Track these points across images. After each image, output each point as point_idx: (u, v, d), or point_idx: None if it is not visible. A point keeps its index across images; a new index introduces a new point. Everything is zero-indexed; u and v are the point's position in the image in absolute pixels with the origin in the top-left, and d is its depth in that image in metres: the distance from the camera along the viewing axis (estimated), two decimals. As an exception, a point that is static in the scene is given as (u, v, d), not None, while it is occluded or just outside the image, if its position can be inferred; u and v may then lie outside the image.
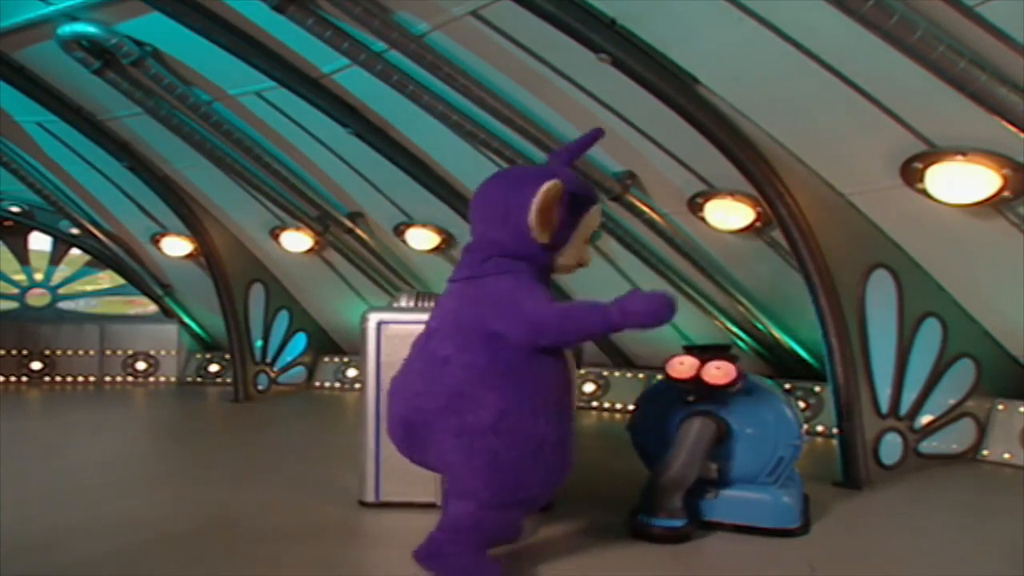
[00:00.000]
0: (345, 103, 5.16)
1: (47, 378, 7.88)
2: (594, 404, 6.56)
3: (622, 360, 6.65)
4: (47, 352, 7.93)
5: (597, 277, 5.96)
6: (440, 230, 6.25)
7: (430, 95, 4.68)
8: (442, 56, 4.36)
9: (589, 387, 6.62)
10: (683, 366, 3.47)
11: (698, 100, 3.92)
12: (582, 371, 6.55)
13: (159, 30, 4.86)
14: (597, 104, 4.39)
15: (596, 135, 3.24)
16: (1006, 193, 3.66)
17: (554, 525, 3.63)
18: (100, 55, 5.15)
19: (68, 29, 4.97)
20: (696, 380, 3.45)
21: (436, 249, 6.40)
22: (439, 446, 2.85)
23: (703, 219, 4.85)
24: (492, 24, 4.08)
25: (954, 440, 4.70)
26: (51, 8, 4.90)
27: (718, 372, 3.40)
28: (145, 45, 5.10)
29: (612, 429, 5.84)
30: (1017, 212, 3.83)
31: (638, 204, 5.02)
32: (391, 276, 6.87)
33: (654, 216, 5.07)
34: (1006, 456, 4.68)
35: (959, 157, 3.64)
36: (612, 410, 6.44)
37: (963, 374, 4.62)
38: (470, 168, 5.41)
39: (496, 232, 2.92)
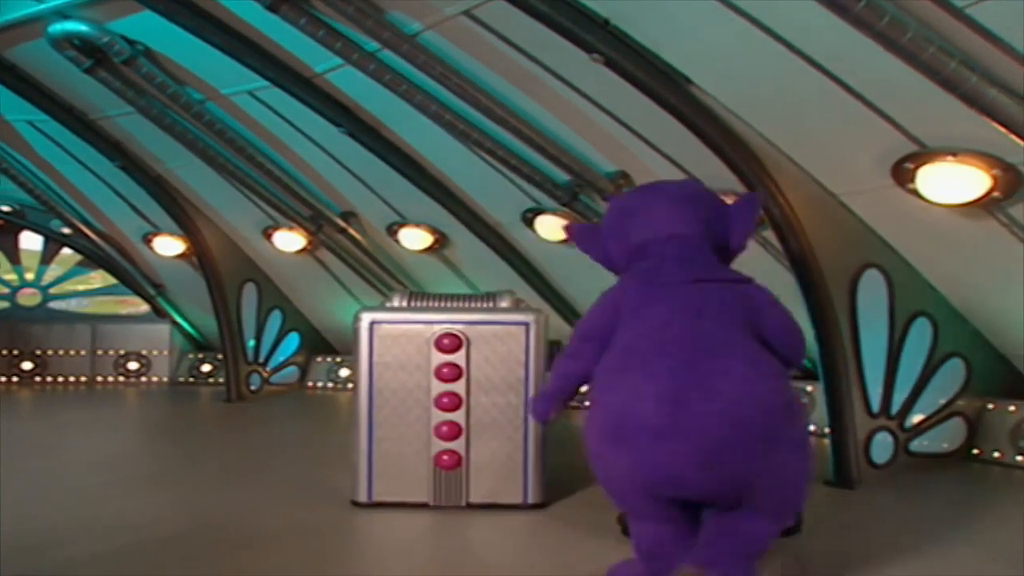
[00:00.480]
0: (338, 103, 5.15)
1: (38, 378, 7.85)
2: (587, 403, 6.55)
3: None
4: (38, 352, 7.90)
5: (586, 273, 5.97)
6: (433, 230, 6.25)
7: (423, 95, 4.68)
8: (435, 56, 4.36)
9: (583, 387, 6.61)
10: None
11: (691, 100, 3.92)
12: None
13: (151, 29, 4.85)
14: (590, 104, 4.40)
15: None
16: (996, 193, 3.68)
17: (546, 526, 3.64)
18: (91, 53, 5.13)
19: (59, 27, 4.95)
20: None
21: (429, 249, 6.40)
22: (778, 459, 2.46)
23: (696, 219, 4.86)
24: (485, 24, 4.08)
25: (944, 439, 4.72)
26: (42, 6, 4.88)
27: None
28: (137, 44, 5.08)
29: (605, 429, 5.84)
30: (1007, 212, 3.84)
31: (631, 204, 5.02)
32: (384, 276, 6.87)
33: (647, 216, 5.07)
34: (996, 455, 4.71)
35: (949, 158, 3.66)
36: (605, 410, 6.44)
37: (953, 373, 4.64)
38: (463, 168, 5.42)
39: (717, 239, 2.75)
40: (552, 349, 3.93)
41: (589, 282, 6.53)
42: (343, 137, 5.34)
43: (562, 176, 5.04)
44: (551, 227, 5.62)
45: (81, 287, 8.94)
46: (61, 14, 4.90)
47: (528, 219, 5.66)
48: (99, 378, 7.90)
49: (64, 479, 4.38)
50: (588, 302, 6.97)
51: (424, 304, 3.90)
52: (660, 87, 3.87)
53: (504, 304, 3.92)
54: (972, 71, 3.04)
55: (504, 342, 3.77)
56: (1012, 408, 4.72)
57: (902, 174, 3.84)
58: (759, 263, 4.98)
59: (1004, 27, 2.96)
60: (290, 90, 5.02)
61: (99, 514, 3.74)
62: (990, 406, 4.78)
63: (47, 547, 3.28)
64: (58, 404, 7.07)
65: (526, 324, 3.78)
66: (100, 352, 7.95)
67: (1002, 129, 3.19)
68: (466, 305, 3.91)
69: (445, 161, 5.46)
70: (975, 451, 4.77)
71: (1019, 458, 4.63)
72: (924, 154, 3.72)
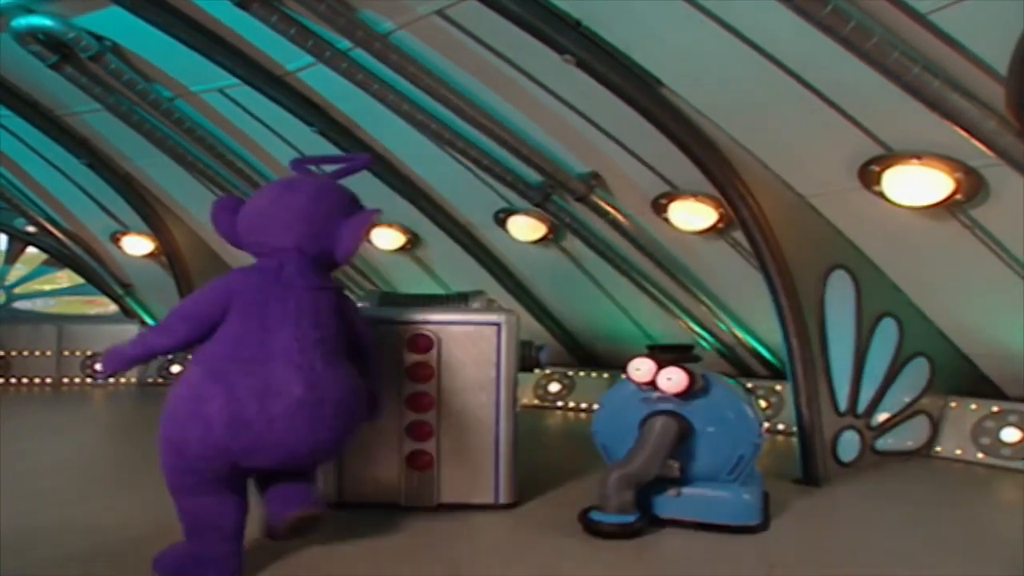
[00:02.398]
0: (310, 101, 5.12)
1: (2, 379, 7.69)
2: (559, 404, 6.59)
3: (587, 359, 6.69)
4: (2, 353, 7.73)
5: (563, 277, 6.00)
6: (405, 230, 6.23)
7: (395, 94, 4.67)
8: (407, 55, 4.35)
9: (555, 387, 6.64)
10: (639, 372, 3.54)
11: (661, 102, 3.96)
12: (547, 371, 6.58)
13: (119, 24, 4.78)
14: (562, 105, 4.41)
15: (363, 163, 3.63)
16: (958, 196, 3.75)
17: (517, 525, 3.64)
18: (57, 49, 5.05)
19: (23, 21, 4.86)
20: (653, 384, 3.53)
21: (401, 249, 6.38)
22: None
23: (667, 220, 4.90)
24: (457, 24, 4.08)
25: (909, 437, 4.80)
26: (5, 0, 4.79)
27: (668, 383, 3.47)
28: (104, 40, 5.01)
29: (577, 429, 5.87)
30: (969, 215, 3.92)
31: (603, 205, 5.05)
32: (356, 276, 6.84)
33: (619, 217, 5.11)
34: (958, 452, 4.80)
35: (914, 161, 3.72)
36: (577, 410, 6.47)
37: (918, 373, 4.72)
38: (436, 168, 5.41)
39: (324, 252, 3.11)
40: (524, 349, 3.95)
41: (561, 282, 6.54)
42: (315, 136, 5.30)
43: (534, 176, 5.06)
44: (523, 227, 5.64)
45: (47, 287, 8.79)
46: (25, 8, 4.82)
47: (500, 219, 5.67)
48: (65, 379, 7.76)
49: (30, 481, 4.30)
50: (559, 302, 6.97)
51: (396, 304, 3.88)
52: (631, 89, 3.89)
53: (476, 304, 3.92)
54: (935, 76, 3.10)
55: (476, 342, 3.77)
56: (974, 406, 4.81)
57: (868, 176, 3.91)
58: (729, 263, 5.04)
59: (965, 33, 3.03)
60: (261, 88, 4.98)
61: (66, 516, 3.68)
62: (952, 404, 4.87)
63: (14, 550, 3.22)
64: (23, 406, 6.94)
65: (497, 324, 3.78)
66: (67, 353, 7.81)
67: (964, 133, 3.26)
68: (438, 306, 3.90)
69: (417, 161, 5.45)
70: (938, 448, 4.86)
71: (980, 455, 4.73)
72: (890, 157, 3.79)
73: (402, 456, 3.77)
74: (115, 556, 3.22)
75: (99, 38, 4.98)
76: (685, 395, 3.47)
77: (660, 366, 3.50)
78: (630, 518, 3.38)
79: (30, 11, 4.82)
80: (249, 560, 3.20)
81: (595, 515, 3.41)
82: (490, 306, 3.98)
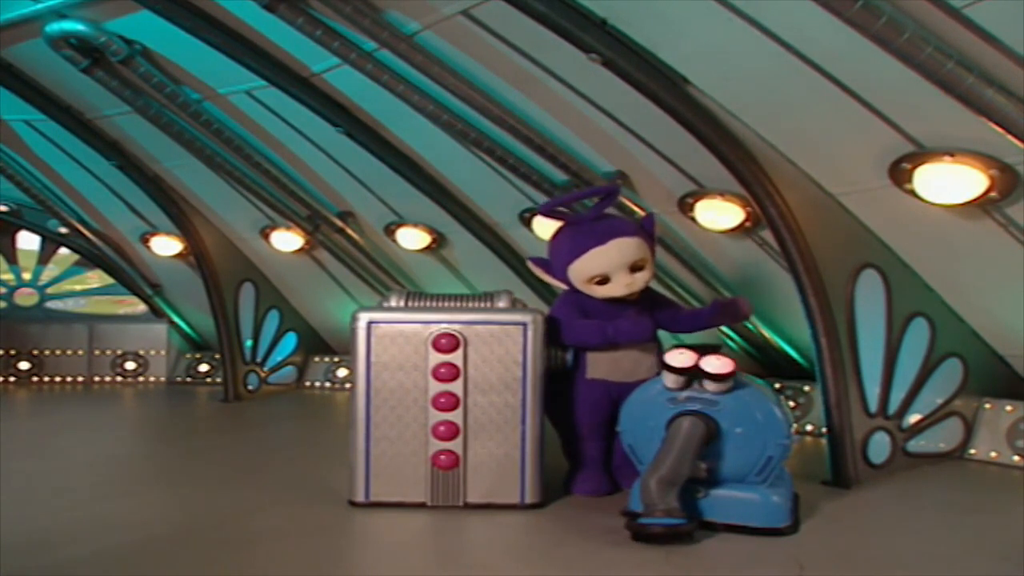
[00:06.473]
0: (336, 102, 5.15)
1: (35, 378, 7.83)
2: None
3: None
4: (35, 352, 7.87)
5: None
6: (431, 230, 6.24)
7: (421, 94, 4.68)
8: (433, 55, 4.36)
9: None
10: (682, 357, 3.51)
11: (688, 100, 3.92)
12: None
13: (149, 28, 4.84)
14: (588, 104, 4.40)
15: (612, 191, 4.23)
16: (993, 194, 3.68)
17: (543, 526, 3.64)
18: (88, 53, 5.11)
19: (56, 27, 4.94)
20: (695, 370, 3.50)
21: (427, 249, 6.39)
22: None
23: (693, 219, 4.87)
24: (483, 24, 4.08)
25: (942, 439, 4.72)
26: (39, 5, 4.87)
27: (717, 362, 3.45)
28: (134, 43, 5.07)
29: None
30: (1004, 212, 3.85)
31: (629, 204, 5.02)
32: (381, 276, 6.86)
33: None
34: (992, 455, 4.71)
35: (947, 158, 3.66)
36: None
37: (951, 373, 4.64)
38: (461, 168, 5.42)
39: None
40: (550, 349, 3.94)
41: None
42: (341, 137, 5.33)
43: (560, 176, 5.05)
44: (548, 227, 5.61)
45: (78, 287, 8.92)
46: (58, 13, 4.89)
47: (526, 219, 5.66)
48: (96, 378, 7.88)
49: (61, 479, 4.38)
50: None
51: (421, 304, 3.90)
52: (658, 87, 3.87)
53: (502, 304, 3.92)
54: (969, 72, 3.04)
55: (502, 342, 3.78)
56: (1009, 408, 4.72)
57: (899, 174, 3.85)
58: (756, 262, 4.99)
59: (1001, 28, 2.97)
60: (287, 90, 5.01)
61: (96, 513, 3.74)
62: (987, 406, 4.78)
63: (45, 547, 3.28)
64: (55, 404, 7.06)
65: (524, 324, 3.78)
66: (97, 352, 7.92)
67: (999, 129, 3.20)
68: (464, 305, 3.90)
69: (443, 161, 5.46)
70: (972, 451, 4.77)
71: (1016, 458, 4.64)
72: (921, 154, 3.73)
73: (428, 456, 3.78)
74: (145, 553, 3.26)
75: (129, 42, 5.05)
76: (728, 378, 3.44)
77: (700, 355, 3.50)
78: (680, 521, 3.30)
79: (63, 16, 4.90)
80: (271, 559, 3.23)
81: (644, 520, 3.33)
82: (516, 306, 3.98)
